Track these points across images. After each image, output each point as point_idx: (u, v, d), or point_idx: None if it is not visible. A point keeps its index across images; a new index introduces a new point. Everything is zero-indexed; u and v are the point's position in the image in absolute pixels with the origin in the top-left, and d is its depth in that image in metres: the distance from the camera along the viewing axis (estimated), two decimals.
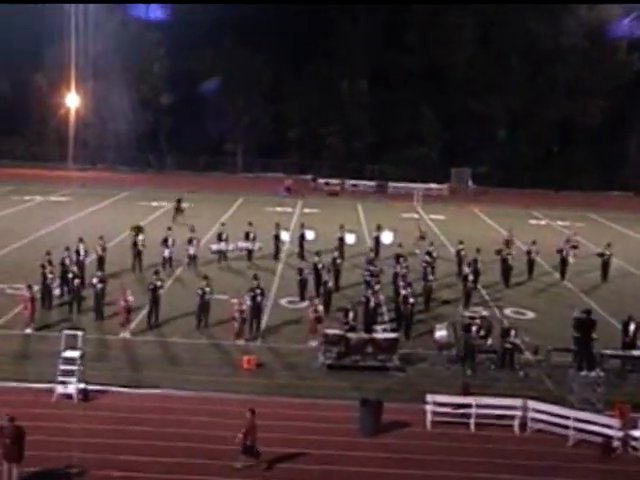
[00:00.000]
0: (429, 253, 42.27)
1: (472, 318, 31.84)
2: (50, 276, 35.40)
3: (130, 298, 32.50)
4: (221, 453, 22.63)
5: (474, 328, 30.68)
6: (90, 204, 63.11)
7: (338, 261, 40.78)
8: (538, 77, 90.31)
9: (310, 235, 47.63)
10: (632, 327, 31.35)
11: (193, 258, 43.75)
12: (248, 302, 32.77)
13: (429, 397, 25.34)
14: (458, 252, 43.74)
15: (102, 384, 26.74)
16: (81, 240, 40.28)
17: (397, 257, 41.00)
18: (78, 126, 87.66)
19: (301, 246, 47.13)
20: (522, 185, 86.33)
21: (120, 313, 32.55)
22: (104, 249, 41.13)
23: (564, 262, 45.00)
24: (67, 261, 37.22)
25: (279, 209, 64.50)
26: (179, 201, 57.46)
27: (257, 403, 26.07)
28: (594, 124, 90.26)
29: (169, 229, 44.24)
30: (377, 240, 47.91)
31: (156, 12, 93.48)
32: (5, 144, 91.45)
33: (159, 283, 34.03)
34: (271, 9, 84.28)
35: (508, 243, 45.64)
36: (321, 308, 32.80)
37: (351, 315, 31.84)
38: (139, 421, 22.86)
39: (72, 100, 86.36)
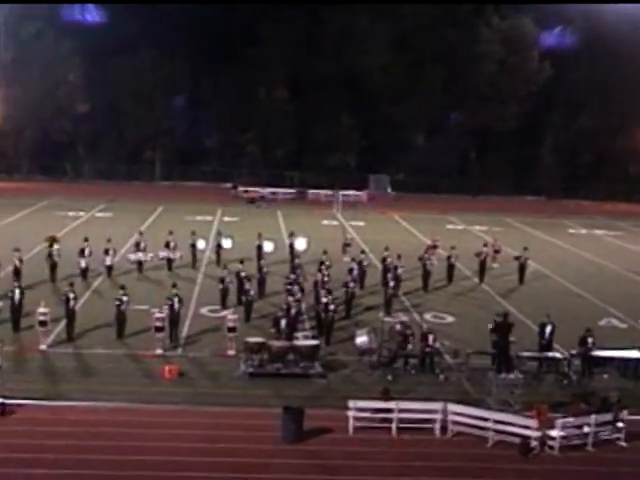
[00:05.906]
0: (360, 262, 42.55)
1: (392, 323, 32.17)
2: None
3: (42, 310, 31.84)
4: (141, 464, 22.43)
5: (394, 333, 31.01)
6: (6, 215, 61.90)
7: (265, 270, 40.77)
8: (453, 84, 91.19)
9: (227, 243, 47.39)
10: (548, 329, 31.95)
11: (110, 268, 43.33)
12: (166, 311, 32.52)
13: (351, 403, 25.42)
14: (384, 259, 43.44)
15: (20, 397, 26.19)
16: None
17: (320, 264, 41.04)
18: None
19: (218, 254, 46.98)
20: (440, 191, 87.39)
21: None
22: (21, 260, 40.47)
23: (482, 266, 45.79)
24: None
25: (199, 218, 64.02)
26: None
27: (178, 413, 26.02)
28: (509, 130, 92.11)
29: (86, 239, 43.54)
30: (291, 247, 47.96)
31: (93, 14, 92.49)
32: None
33: (72, 295, 33.30)
34: (189, 15, 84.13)
35: (429, 249, 46.05)
36: (233, 317, 32.46)
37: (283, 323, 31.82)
38: (58, 434, 22.45)
39: None
